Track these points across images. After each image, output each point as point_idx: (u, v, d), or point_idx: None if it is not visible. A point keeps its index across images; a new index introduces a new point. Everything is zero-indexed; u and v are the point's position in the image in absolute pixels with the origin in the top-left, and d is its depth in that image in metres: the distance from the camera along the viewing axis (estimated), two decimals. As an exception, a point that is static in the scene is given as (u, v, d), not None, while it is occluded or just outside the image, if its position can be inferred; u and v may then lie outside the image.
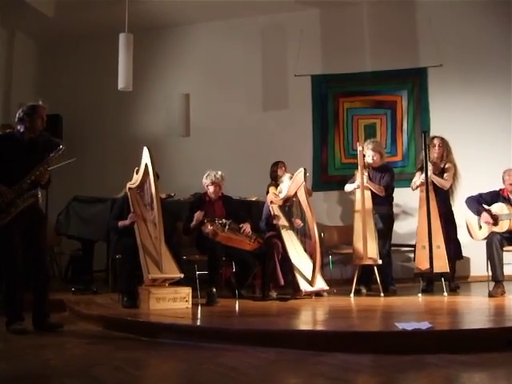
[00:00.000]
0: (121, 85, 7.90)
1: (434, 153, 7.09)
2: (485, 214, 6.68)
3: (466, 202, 6.91)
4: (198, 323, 5.27)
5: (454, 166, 7.11)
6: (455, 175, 7.10)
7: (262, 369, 3.62)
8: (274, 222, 6.98)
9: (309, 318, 5.74)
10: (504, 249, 6.49)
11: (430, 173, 6.80)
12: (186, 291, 5.88)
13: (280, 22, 9.33)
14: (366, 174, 7.01)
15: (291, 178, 6.94)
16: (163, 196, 7.20)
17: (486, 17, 8.82)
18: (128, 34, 7.86)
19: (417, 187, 7.01)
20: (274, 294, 6.55)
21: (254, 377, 3.42)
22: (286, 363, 3.79)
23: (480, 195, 6.86)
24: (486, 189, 6.90)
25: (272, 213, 7.06)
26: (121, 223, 6.28)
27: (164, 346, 4.44)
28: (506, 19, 8.74)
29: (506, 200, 6.73)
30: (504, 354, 3.82)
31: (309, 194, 7.45)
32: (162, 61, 9.76)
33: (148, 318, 5.23)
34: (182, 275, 5.93)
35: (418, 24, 9.00)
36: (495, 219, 6.64)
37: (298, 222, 7.02)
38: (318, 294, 6.76)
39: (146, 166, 6.08)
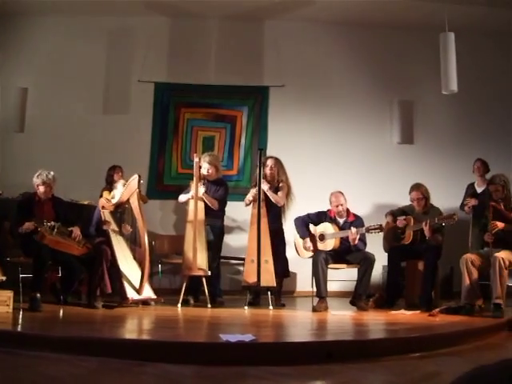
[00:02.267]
0: (-49, 71, 7.38)
1: (267, 173, 7.27)
2: (307, 241, 7.03)
3: (295, 222, 7.18)
4: (19, 329, 5.04)
5: (288, 185, 7.34)
6: (288, 194, 7.33)
7: (81, 378, 3.51)
8: (105, 227, 6.84)
9: (134, 327, 5.66)
10: (328, 266, 6.81)
11: (266, 187, 7.00)
12: (8, 295, 5.60)
13: (128, 26, 9.14)
14: (203, 185, 7.07)
15: (125, 184, 6.84)
16: (-11, 193, 6.83)
17: (330, 43, 9.22)
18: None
19: (250, 202, 7.15)
20: (99, 305, 6.36)
21: (73, 386, 3.32)
22: (108, 373, 3.71)
23: (308, 215, 7.16)
24: (317, 208, 7.20)
25: (103, 218, 6.91)
26: None
27: (-22, 353, 4.18)
28: (348, 46, 9.21)
29: (333, 220, 7.06)
30: (323, 367, 3.98)
31: (144, 200, 7.39)
32: (1, 50, 9.20)
33: (-38, 322, 4.92)
34: (4, 278, 5.65)
35: (264, 44, 9.21)
36: (315, 245, 6.95)
37: (127, 228, 6.94)
38: (146, 302, 6.70)
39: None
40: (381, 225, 6.81)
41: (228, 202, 7.49)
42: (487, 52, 9.21)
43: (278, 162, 7.38)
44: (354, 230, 6.76)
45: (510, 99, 9.20)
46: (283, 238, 7.33)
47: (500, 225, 6.25)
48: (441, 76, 7.52)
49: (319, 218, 7.14)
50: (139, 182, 6.71)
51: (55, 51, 9.06)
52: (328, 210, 7.17)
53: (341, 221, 7.08)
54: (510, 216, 6.37)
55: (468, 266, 6.20)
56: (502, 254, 6.09)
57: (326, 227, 7.02)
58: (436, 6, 7.89)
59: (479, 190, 7.85)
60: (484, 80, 9.16)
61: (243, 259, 7.21)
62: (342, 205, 7.04)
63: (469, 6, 8.21)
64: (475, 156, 8.14)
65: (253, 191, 7.12)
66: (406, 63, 9.23)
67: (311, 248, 6.99)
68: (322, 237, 6.99)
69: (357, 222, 7.02)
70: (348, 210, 7.13)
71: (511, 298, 6.30)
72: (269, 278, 6.70)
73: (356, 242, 6.79)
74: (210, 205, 7.07)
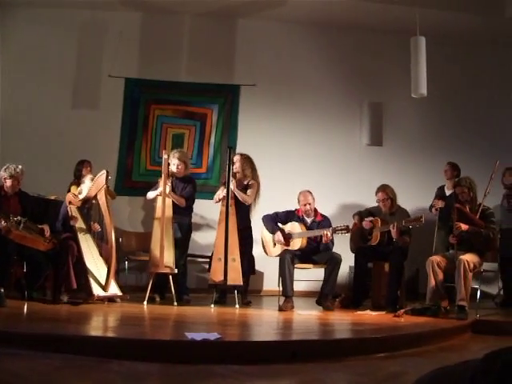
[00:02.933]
0: None
1: (235, 169, 7.26)
2: (278, 234, 7.00)
3: (263, 219, 7.20)
4: (-19, 325, 4.96)
5: (257, 183, 7.35)
6: (257, 192, 7.34)
7: (45, 375, 3.48)
8: (71, 223, 6.77)
9: (99, 324, 5.61)
10: (295, 266, 6.83)
11: (233, 187, 6.98)
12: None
13: (100, 20, 9.04)
14: (170, 182, 7.05)
15: (93, 179, 6.79)
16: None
17: (302, 43, 9.25)
18: None
19: (219, 200, 7.14)
20: (65, 298, 6.32)
21: None
22: (72, 370, 3.67)
23: (276, 214, 7.18)
24: (285, 207, 7.22)
25: (70, 213, 6.85)
26: None
27: None
28: (320, 47, 9.25)
29: (300, 220, 7.09)
30: (288, 366, 4.00)
31: (112, 196, 7.34)
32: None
33: None
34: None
35: (236, 42, 9.20)
36: (288, 239, 6.97)
37: (96, 227, 6.87)
38: (111, 299, 6.64)
39: None
40: (347, 226, 6.84)
41: (196, 200, 7.49)
42: (457, 56, 9.33)
43: (244, 158, 7.38)
44: (327, 232, 6.76)
45: (478, 103, 9.33)
46: (251, 236, 7.34)
47: (464, 226, 6.33)
48: (411, 79, 7.57)
49: (287, 217, 7.17)
50: (107, 177, 6.66)
51: (25, 43, 8.93)
52: (296, 210, 7.20)
53: (308, 220, 7.12)
54: (475, 218, 6.45)
55: (434, 268, 6.28)
56: (467, 257, 6.18)
57: (294, 226, 7.05)
58: (407, 10, 7.95)
59: (448, 192, 7.93)
60: (453, 84, 9.28)
61: (210, 257, 7.20)
62: (309, 204, 7.08)
63: (440, 11, 8.30)
64: (443, 158, 8.24)
65: (222, 189, 7.12)
66: (377, 65, 9.31)
67: (282, 241, 6.99)
68: (290, 236, 7.01)
69: (324, 222, 7.07)
70: (316, 210, 7.17)
71: (475, 299, 6.38)
72: (235, 277, 6.70)
73: (328, 241, 6.81)
74: (176, 202, 7.05)
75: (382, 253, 7.04)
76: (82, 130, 8.75)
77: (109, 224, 6.61)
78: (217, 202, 7.21)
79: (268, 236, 7.19)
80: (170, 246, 6.79)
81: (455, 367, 1.36)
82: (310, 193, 7.16)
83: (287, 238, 7.03)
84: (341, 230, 6.78)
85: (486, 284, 7.13)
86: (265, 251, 7.25)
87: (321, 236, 6.81)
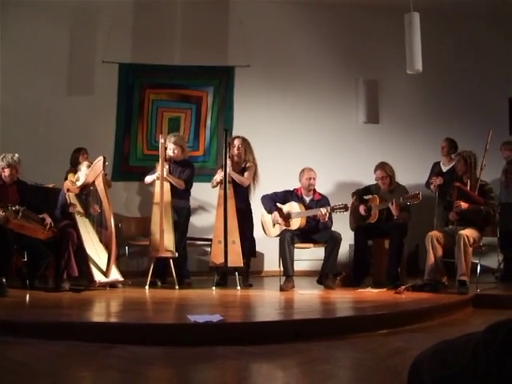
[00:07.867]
0: None
1: (234, 153, 7.26)
2: (275, 214, 7.00)
3: (262, 199, 7.20)
4: (-17, 314, 4.97)
5: (255, 165, 7.34)
6: (255, 174, 7.33)
7: (50, 362, 3.50)
8: (70, 210, 6.77)
9: (102, 310, 5.64)
10: (295, 246, 6.84)
11: (229, 169, 6.97)
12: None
13: (92, 5, 8.95)
14: (167, 166, 7.04)
15: (89, 166, 6.78)
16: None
17: (295, 22, 9.18)
18: None
19: (217, 184, 7.14)
20: (66, 286, 6.32)
21: (42, 371, 3.30)
22: (76, 356, 3.69)
23: (275, 194, 7.17)
24: (283, 187, 7.22)
25: (68, 201, 6.84)
26: None
27: None
28: (313, 25, 9.19)
29: (299, 199, 7.09)
30: (291, 345, 4.02)
31: (108, 185, 7.33)
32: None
33: None
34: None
35: (229, 24, 9.12)
36: (286, 218, 6.98)
37: (96, 208, 6.86)
38: (113, 285, 6.66)
39: None
40: (346, 204, 6.85)
41: (194, 183, 7.47)
42: (451, 31, 9.29)
43: (245, 141, 7.36)
44: (323, 210, 6.78)
45: (474, 79, 9.30)
46: (251, 218, 7.34)
47: (464, 205, 6.34)
48: (406, 56, 7.53)
49: (286, 196, 7.16)
50: (104, 163, 6.65)
51: (17, 32, 8.85)
52: (294, 189, 7.20)
53: (307, 199, 7.13)
54: (475, 196, 6.45)
55: (433, 243, 6.29)
56: (467, 232, 6.19)
57: (292, 206, 7.05)
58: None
59: (445, 168, 7.93)
60: (447, 59, 9.24)
61: (210, 240, 7.21)
62: (314, 179, 7.09)
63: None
64: (439, 135, 8.24)
65: (220, 172, 7.10)
66: (372, 42, 9.24)
67: (279, 221, 7.00)
68: (289, 215, 7.02)
69: (323, 200, 7.08)
70: (314, 189, 7.18)
71: (475, 274, 6.41)
72: (236, 259, 6.71)
73: (326, 219, 6.82)
74: (175, 185, 7.04)
75: (382, 230, 7.05)
76: (78, 117, 8.70)
77: (107, 210, 6.61)
78: (214, 187, 7.21)
79: (267, 217, 7.20)
80: (169, 230, 6.80)
81: (457, 340, 1.37)
82: (313, 170, 7.17)
83: (286, 217, 7.04)
84: (339, 208, 6.79)
85: (485, 258, 7.14)
86: (265, 232, 7.26)
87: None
